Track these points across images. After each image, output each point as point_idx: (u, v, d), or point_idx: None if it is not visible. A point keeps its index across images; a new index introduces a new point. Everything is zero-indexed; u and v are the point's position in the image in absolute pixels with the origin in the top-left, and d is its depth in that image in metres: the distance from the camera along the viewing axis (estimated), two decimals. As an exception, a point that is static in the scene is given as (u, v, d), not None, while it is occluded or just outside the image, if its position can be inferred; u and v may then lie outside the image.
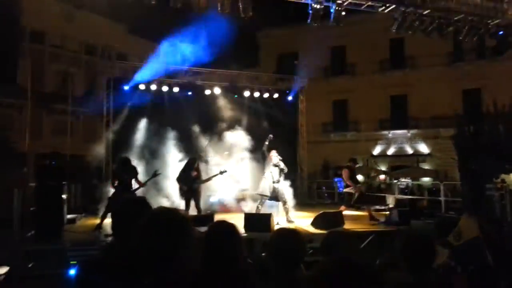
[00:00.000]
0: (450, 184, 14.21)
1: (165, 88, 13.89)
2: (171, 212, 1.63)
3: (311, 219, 8.61)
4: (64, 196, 8.34)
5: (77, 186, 11.48)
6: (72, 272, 5.45)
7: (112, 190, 8.42)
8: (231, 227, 2.54)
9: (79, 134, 23.43)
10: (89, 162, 12.71)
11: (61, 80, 24.67)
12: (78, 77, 26.64)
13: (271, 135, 9.24)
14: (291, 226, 8.38)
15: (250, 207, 10.43)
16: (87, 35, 26.19)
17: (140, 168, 9.76)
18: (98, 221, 8.24)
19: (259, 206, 9.01)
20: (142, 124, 13.13)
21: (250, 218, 7.82)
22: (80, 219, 9.84)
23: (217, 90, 14.43)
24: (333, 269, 1.28)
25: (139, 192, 8.41)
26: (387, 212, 9.37)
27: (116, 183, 8.31)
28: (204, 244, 2.47)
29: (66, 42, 26.95)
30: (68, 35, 26.46)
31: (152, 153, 12.07)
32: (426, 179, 20.13)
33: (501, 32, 10.55)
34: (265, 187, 8.95)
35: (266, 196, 8.98)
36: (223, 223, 2.61)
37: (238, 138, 12.25)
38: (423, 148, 25.00)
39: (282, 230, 2.42)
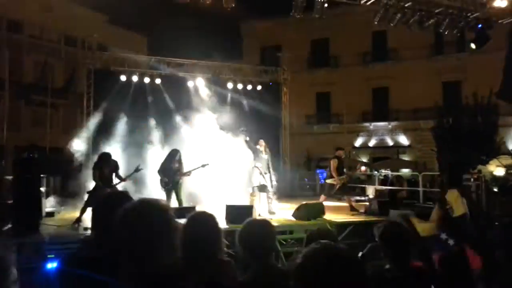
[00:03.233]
0: (429, 175, 14.47)
1: (147, 80, 13.71)
2: (152, 203, 1.61)
3: (293, 210, 8.66)
4: (42, 189, 8.20)
5: (56, 179, 11.29)
6: (49, 265, 5.39)
7: (92, 184, 8.31)
8: (210, 218, 2.55)
9: (59, 126, 23.02)
10: (69, 155, 12.49)
11: (40, 71, 24.15)
12: (58, 68, 26.11)
13: (243, 128, 9.18)
14: (272, 217, 8.44)
15: (233, 199, 10.41)
16: (67, 26, 25.65)
17: (121, 161, 9.64)
18: (77, 214, 8.12)
19: (253, 197, 9.03)
20: (124, 116, 12.95)
21: (231, 210, 7.82)
22: (59, 213, 9.68)
23: (200, 82, 14.32)
24: (317, 256, 1.28)
25: (120, 186, 8.32)
26: (367, 203, 9.49)
27: (96, 177, 8.22)
28: (183, 235, 2.47)
29: (45, 33, 26.36)
30: (47, 25, 25.87)
31: (134, 145, 11.92)
32: (405, 170, 20.45)
33: (480, 26, 10.71)
34: (255, 178, 8.96)
35: (256, 187, 9.01)
36: (202, 214, 2.61)
37: (221, 131, 12.19)
38: (403, 140, 25.37)
39: (250, 222, 2.47)
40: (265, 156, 9.00)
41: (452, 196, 4.01)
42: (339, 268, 1.23)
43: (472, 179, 10.59)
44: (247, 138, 9.09)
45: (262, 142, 9.20)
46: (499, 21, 10.64)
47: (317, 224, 7.55)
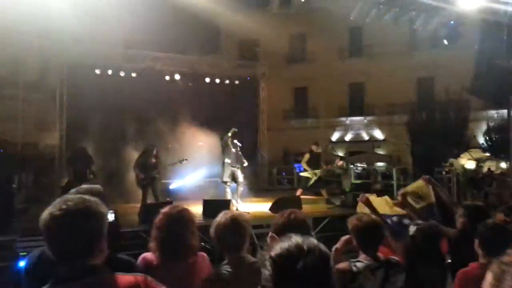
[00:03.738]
0: (402, 168, 14.81)
1: (122, 74, 13.48)
2: (84, 202, 1.59)
3: (270, 204, 8.73)
4: (14, 186, 8.00)
5: (29, 175, 11.02)
6: (22, 264, 5.25)
7: (65, 180, 8.18)
8: (184, 212, 2.55)
9: (31, 121, 22.40)
10: (42, 151, 12.21)
11: (12, 64, 23.41)
12: (30, 62, 25.37)
13: (235, 129, 9.22)
14: (248, 210, 8.52)
15: (210, 194, 10.43)
16: (40, 17, 24.89)
17: (96, 157, 9.50)
18: (51, 211, 7.95)
19: (227, 191, 9.09)
20: (98, 110, 12.68)
21: (208, 205, 7.83)
22: (32, 210, 9.46)
23: (177, 76, 14.18)
24: (287, 253, 1.31)
25: (94, 182, 8.20)
26: (343, 196, 9.68)
27: (70, 173, 8.10)
28: (156, 230, 2.47)
29: (17, 25, 25.51)
30: (20, 17, 25.05)
31: (109, 141, 11.74)
32: (380, 164, 20.84)
33: (452, 22, 10.97)
34: (226, 173, 9.01)
35: (228, 181, 9.05)
36: (176, 208, 2.61)
37: (199, 125, 12.15)
38: (378, 134, 25.84)
39: (224, 215, 2.49)
40: (233, 149, 9.04)
41: (419, 185, 4.12)
42: (308, 265, 1.26)
43: (444, 172, 10.90)
44: (226, 138, 9.12)
45: (229, 136, 9.22)
46: (471, 19, 10.91)
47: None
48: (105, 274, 1.55)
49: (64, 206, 1.54)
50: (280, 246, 1.31)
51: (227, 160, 9.01)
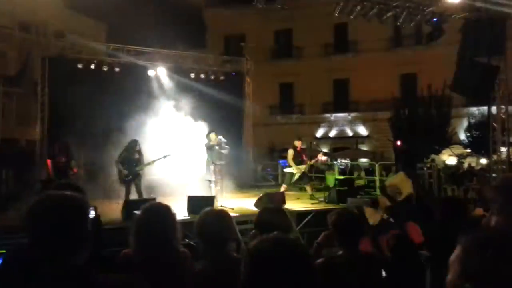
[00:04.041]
0: (385, 164, 15.00)
1: (105, 68, 13.29)
2: (61, 198, 1.57)
3: (255, 200, 8.75)
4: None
5: (10, 171, 10.82)
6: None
7: (46, 174, 8.06)
8: (164, 209, 2.54)
9: (12, 116, 22.02)
10: (23, 146, 11.98)
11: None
12: (11, 55, 24.85)
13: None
14: (233, 207, 8.54)
15: (194, 190, 10.38)
16: (21, 10, 24.37)
17: (78, 152, 9.36)
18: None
19: (211, 187, 9.08)
20: (80, 105, 12.49)
21: (193, 201, 7.80)
22: (12, 206, 9.29)
23: (161, 71, 14.04)
24: (266, 247, 1.30)
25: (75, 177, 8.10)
26: (327, 192, 9.78)
27: (51, 167, 7.98)
28: (135, 226, 2.45)
29: (-2, 18, 24.95)
30: (0, 10, 24.49)
31: (91, 136, 11.57)
32: (364, 160, 21.06)
33: (435, 19, 11.12)
34: (210, 170, 9.03)
35: (212, 178, 9.05)
36: (156, 205, 2.60)
37: (183, 121, 12.07)
38: (362, 130, 26.09)
39: (206, 212, 2.49)
40: (216, 147, 9.04)
41: (398, 179, 4.20)
42: (287, 264, 1.26)
43: (425, 168, 11.07)
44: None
45: (213, 135, 9.21)
46: (453, 16, 11.06)
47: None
48: (89, 274, 1.52)
49: (45, 203, 1.50)
50: (258, 242, 1.31)
51: (210, 158, 9.02)
